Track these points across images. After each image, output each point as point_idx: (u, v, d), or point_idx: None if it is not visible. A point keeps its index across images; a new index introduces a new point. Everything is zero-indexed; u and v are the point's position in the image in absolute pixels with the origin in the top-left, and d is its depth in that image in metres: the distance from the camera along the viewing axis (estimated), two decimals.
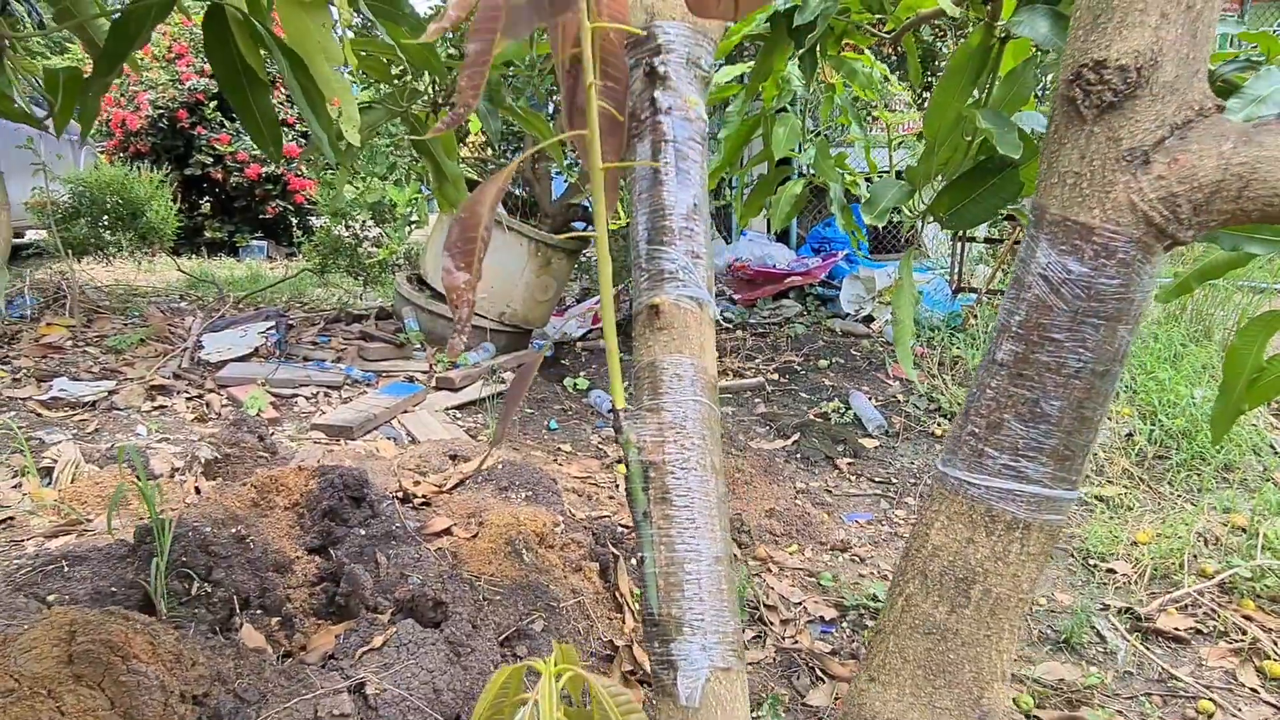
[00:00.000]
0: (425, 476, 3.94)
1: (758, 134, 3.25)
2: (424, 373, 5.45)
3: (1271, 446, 4.86)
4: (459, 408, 5.08)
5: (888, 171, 3.24)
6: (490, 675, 2.61)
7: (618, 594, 3.41)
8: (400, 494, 3.59)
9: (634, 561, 3.63)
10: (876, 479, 4.78)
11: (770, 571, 3.98)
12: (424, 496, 3.62)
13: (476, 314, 5.78)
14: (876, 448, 5.00)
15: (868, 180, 3.05)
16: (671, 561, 0.82)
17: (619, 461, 4.46)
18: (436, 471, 4.06)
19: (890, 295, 6.79)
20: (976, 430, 1.05)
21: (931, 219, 2.39)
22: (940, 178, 2.40)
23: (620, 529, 3.79)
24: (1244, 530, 4.22)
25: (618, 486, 4.28)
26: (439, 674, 2.39)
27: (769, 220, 8.79)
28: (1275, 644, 3.61)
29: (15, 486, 3.82)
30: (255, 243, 11.91)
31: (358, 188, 6.34)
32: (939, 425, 5.06)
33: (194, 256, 10.67)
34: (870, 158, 3.56)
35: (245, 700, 2.17)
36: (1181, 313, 5.73)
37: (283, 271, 9.08)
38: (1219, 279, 6.01)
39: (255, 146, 9.27)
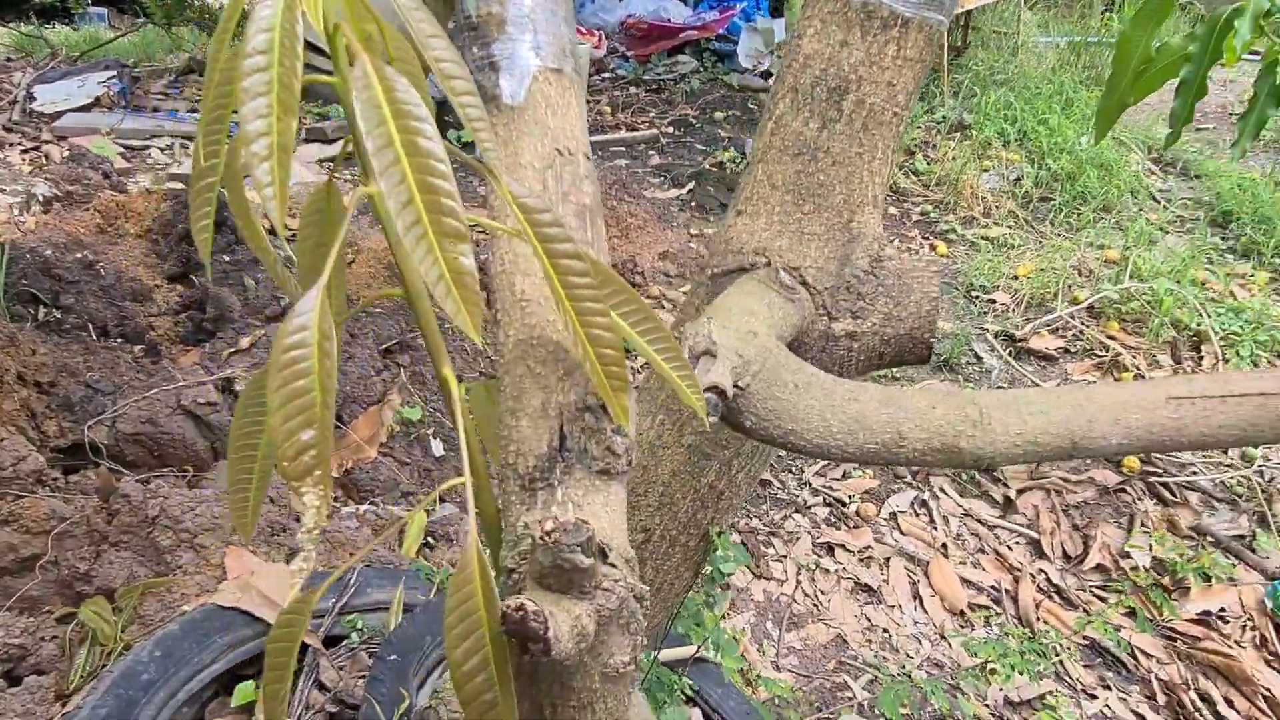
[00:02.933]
0: (296, 216, 3.70)
1: None
2: None
3: (1148, 189, 4.99)
4: (334, 160, 4.76)
5: None
6: (370, 379, 2.53)
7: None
8: (268, 226, 3.37)
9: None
10: None
11: (664, 308, 3.97)
12: (295, 230, 3.41)
13: None
14: None
15: None
16: None
17: None
18: None
19: None
20: None
21: None
22: None
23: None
24: (1115, 263, 4.38)
25: None
26: None
27: None
28: (1134, 358, 3.83)
29: None
30: (94, 9, 10.61)
31: None
32: None
33: (20, 24, 9.46)
34: None
35: (98, 390, 2.04)
36: (1075, 60, 5.70)
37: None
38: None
39: None
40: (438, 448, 2.47)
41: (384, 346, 2.60)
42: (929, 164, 5.14)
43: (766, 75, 6.30)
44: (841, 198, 0.97)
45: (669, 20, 6.81)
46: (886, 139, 0.97)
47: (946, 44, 5.58)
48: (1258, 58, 1.96)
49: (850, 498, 2.99)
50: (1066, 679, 2.49)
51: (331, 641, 1.59)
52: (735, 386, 0.73)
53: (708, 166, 5.11)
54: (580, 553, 0.52)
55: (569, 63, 0.73)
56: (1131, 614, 2.72)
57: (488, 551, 0.65)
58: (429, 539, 2.17)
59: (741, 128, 5.56)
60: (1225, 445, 0.69)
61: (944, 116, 5.37)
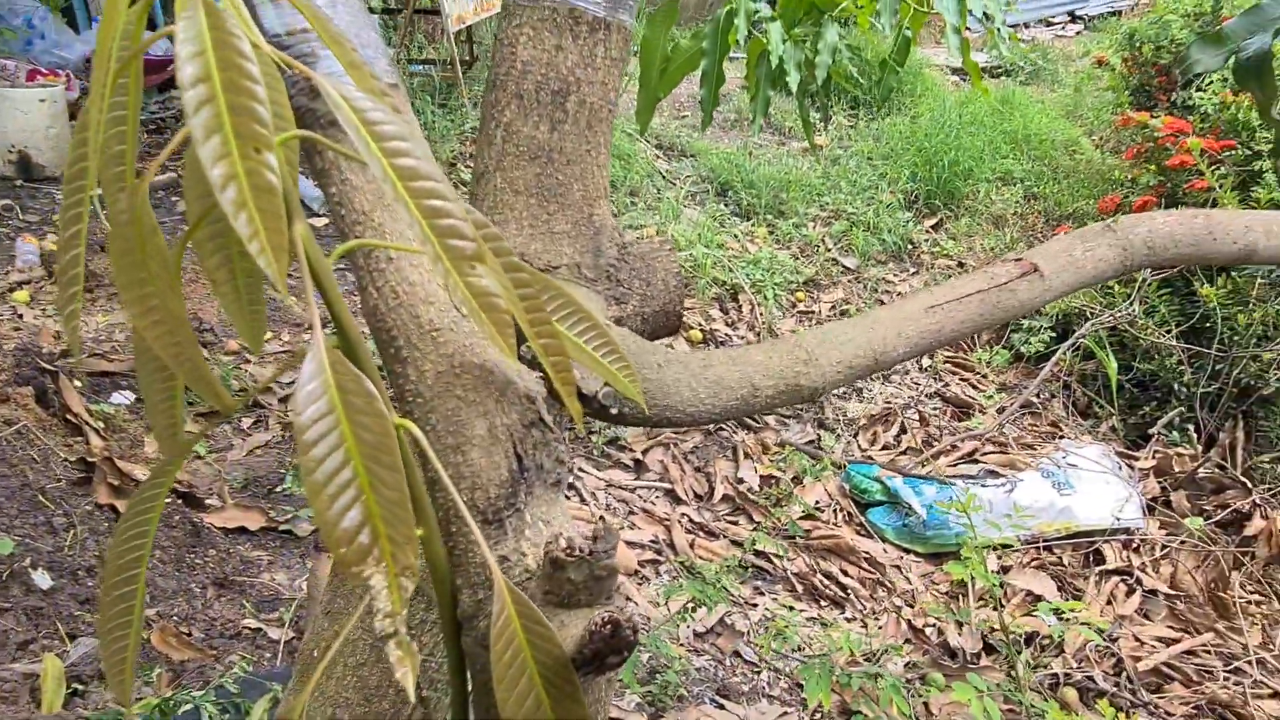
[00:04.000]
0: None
1: None
2: None
3: (660, 172, 5.71)
4: None
5: None
6: None
7: (70, 417, 2.81)
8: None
9: (77, 382, 3.00)
10: None
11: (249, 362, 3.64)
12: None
13: None
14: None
15: None
16: None
17: (20, 285, 3.56)
18: None
19: None
20: None
21: None
22: None
23: (51, 351, 3.08)
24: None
25: (22, 312, 3.44)
26: None
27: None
28: (694, 315, 4.39)
29: None
30: None
31: None
32: None
33: None
34: None
35: None
36: None
37: None
38: None
39: None
40: (43, 579, 2.02)
41: None
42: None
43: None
44: (580, 194, 1.02)
45: (148, 54, 6.13)
46: (606, 134, 1.04)
47: (458, 59, 5.81)
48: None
49: None
50: (732, 598, 2.83)
51: None
52: None
53: None
54: (615, 557, 0.51)
55: (396, 76, 0.67)
56: (765, 529, 3.17)
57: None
58: (75, 685, 1.78)
59: None
60: (967, 334, 0.90)
61: (474, 126, 5.59)
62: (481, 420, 0.59)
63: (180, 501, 2.66)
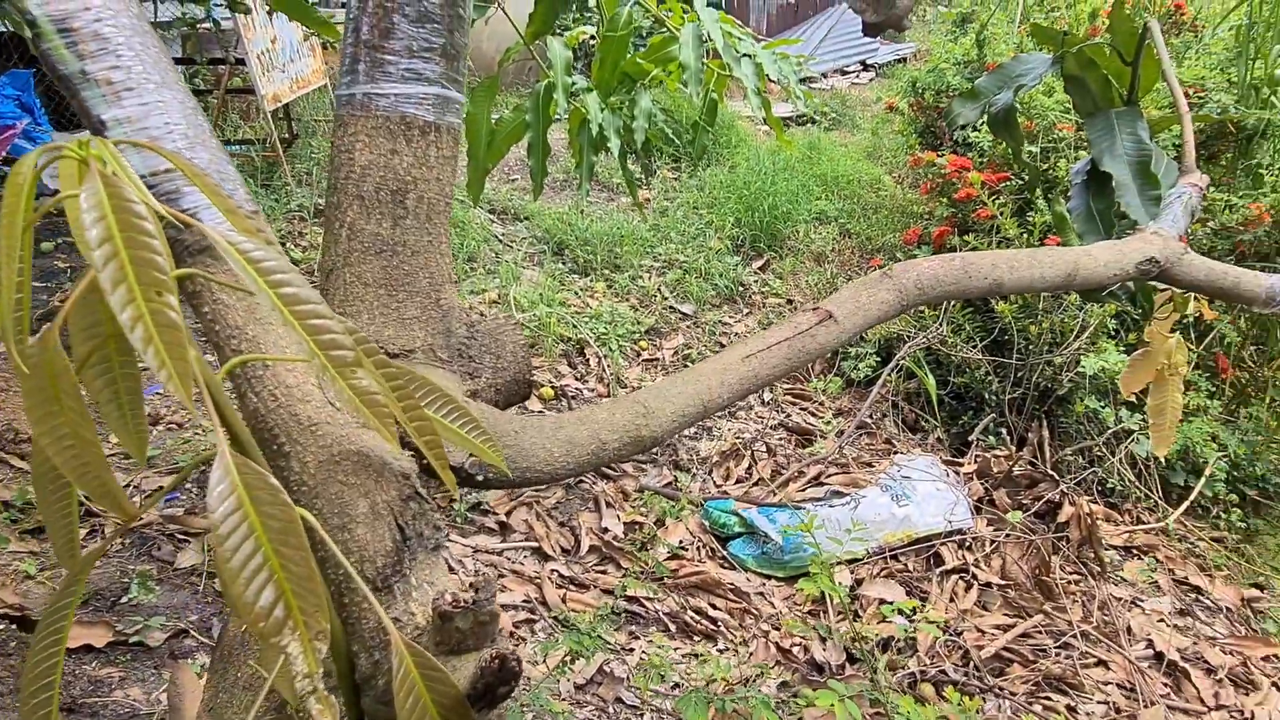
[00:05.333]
0: None
1: None
2: None
3: (496, 236, 5.80)
4: None
5: None
6: None
7: None
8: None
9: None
10: None
11: None
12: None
13: None
14: None
15: None
16: (145, 114, 0.66)
17: None
18: None
19: None
20: (370, 40, 1.06)
21: None
22: None
23: None
24: (497, 302, 5.02)
25: None
26: None
27: None
28: (543, 374, 4.48)
29: None
30: None
31: None
32: None
33: None
34: None
35: None
36: None
37: None
38: None
39: None
40: None
41: None
42: (303, 252, 5.26)
43: None
44: (426, 281, 1.10)
45: None
46: (445, 224, 1.13)
47: (278, 138, 5.74)
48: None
49: None
50: (609, 645, 2.89)
51: None
52: None
53: (59, 303, 4.49)
54: (495, 603, 0.59)
55: (252, 204, 0.73)
56: (633, 574, 3.26)
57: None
58: None
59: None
60: (780, 377, 1.03)
61: (300, 204, 5.52)
62: (363, 500, 0.66)
63: (14, 627, 2.49)
